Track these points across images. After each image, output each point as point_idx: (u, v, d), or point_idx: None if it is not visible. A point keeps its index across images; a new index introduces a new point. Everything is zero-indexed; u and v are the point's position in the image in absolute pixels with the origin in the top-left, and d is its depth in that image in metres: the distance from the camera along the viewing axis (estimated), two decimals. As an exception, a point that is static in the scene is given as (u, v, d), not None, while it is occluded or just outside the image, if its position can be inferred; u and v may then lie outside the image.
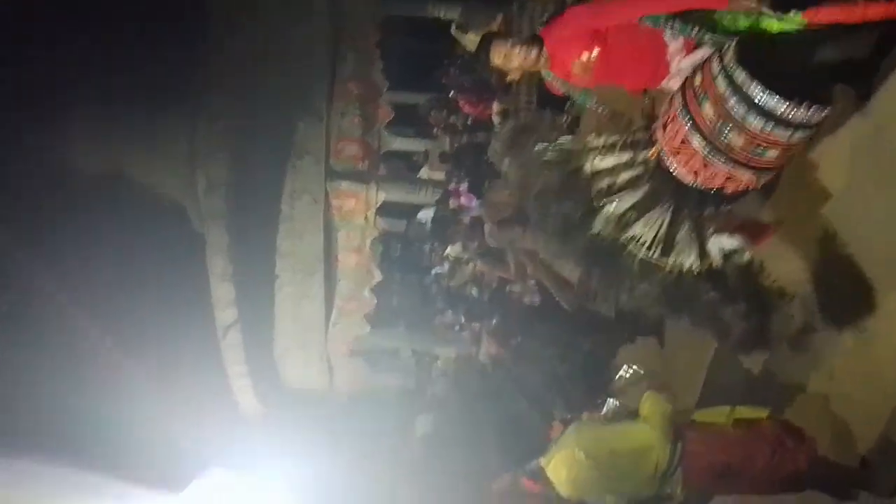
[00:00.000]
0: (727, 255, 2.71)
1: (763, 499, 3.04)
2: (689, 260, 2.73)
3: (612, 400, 4.75)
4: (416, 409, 9.29)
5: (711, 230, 2.69)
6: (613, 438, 2.96)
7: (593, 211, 2.79)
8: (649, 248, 2.74)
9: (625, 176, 2.70)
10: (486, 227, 5.51)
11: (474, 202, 6.26)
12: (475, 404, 6.83)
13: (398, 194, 7.13)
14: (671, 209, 2.69)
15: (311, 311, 7.39)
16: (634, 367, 5.44)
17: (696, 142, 2.41)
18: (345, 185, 6.54)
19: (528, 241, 3.85)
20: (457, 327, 7.54)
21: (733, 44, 2.28)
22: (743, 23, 2.34)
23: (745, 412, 3.08)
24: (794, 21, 2.25)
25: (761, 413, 3.09)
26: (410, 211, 7.96)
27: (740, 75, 2.19)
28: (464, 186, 6.46)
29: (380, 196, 6.66)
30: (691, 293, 2.66)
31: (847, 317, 2.90)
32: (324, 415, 9.18)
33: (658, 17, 2.43)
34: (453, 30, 6.31)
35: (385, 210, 7.23)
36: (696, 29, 2.39)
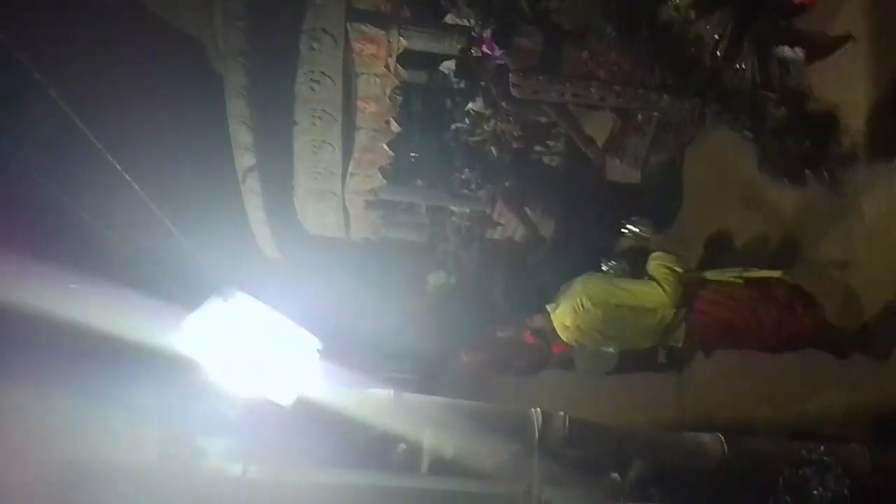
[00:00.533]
0: (786, 68, 2.66)
1: (764, 355, 3.16)
2: (750, 69, 2.70)
3: (612, 262, 4.82)
4: (428, 264, 9.55)
5: (776, 40, 2.64)
6: (621, 293, 3.03)
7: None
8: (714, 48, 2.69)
9: None
10: (511, 77, 5.31)
11: (498, 51, 5.97)
12: (485, 261, 6.99)
13: (421, 41, 6.78)
14: (736, 13, 2.62)
15: (330, 160, 7.33)
16: (640, 226, 5.46)
17: None
18: (367, 27, 6.20)
19: (555, 92, 3.78)
20: (473, 186, 7.51)
21: None
22: None
23: (757, 272, 3.11)
24: None
25: (774, 273, 3.11)
26: (433, 61, 7.63)
27: None
28: (488, 33, 6.12)
29: (402, 43, 6.33)
30: (753, 106, 2.65)
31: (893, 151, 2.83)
32: (339, 261, 9.48)
33: None
34: None
35: (407, 59, 6.92)
36: None
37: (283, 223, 8.19)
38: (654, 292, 3.00)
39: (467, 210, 8.64)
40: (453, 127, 7.70)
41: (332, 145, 7.17)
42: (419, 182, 8.77)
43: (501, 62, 5.82)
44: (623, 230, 5.58)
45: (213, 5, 6.60)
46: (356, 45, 6.37)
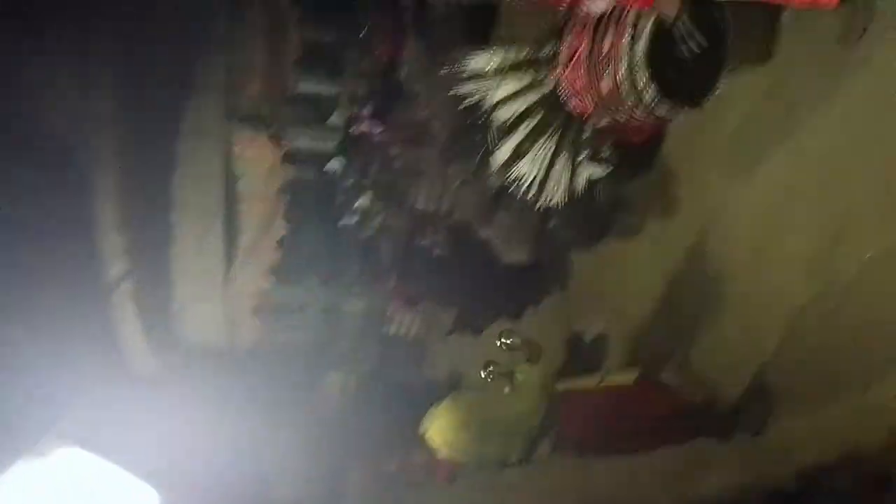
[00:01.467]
0: (591, 184, 2.89)
1: (650, 456, 3.14)
2: (558, 194, 2.86)
3: (489, 368, 4.92)
4: (324, 366, 9.06)
5: (585, 154, 2.84)
6: (487, 408, 3.03)
7: (488, 153, 2.83)
8: (530, 185, 2.83)
9: (523, 103, 2.77)
10: (392, 150, 5.36)
11: (378, 129, 6.00)
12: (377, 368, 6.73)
13: (306, 140, 6.72)
14: (558, 135, 2.81)
15: (211, 264, 6.93)
16: (512, 337, 5.62)
17: (589, 100, 2.66)
18: (248, 127, 6.06)
19: (435, 164, 3.82)
20: (366, 282, 7.32)
21: (642, 41, 2.35)
22: None
23: (614, 379, 3.18)
24: None
25: (630, 377, 3.21)
26: (320, 158, 7.56)
27: (643, 76, 2.38)
28: (367, 111, 6.16)
29: (286, 142, 6.23)
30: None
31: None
32: (227, 372, 8.80)
33: None
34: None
35: (293, 156, 6.81)
36: None
37: (161, 333, 7.55)
38: (517, 399, 3.01)
39: (361, 306, 8.39)
40: (341, 224, 7.56)
41: (213, 246, 6.79)
42: (312, 280, 8.48)
43: (381, 137, 5.98)
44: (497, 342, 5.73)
45: (82, 107, 6.24)
46: (237, 147, 6.19)
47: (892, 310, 2.70)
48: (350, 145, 6.74)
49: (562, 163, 2.94)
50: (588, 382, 3.29)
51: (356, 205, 7.21)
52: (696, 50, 2.52)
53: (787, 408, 3.03)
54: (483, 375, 5.84)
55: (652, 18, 2.37)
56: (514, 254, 4.55)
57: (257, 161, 6.43)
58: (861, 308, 2.83)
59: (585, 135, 2.93)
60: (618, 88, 2.47)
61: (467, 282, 4.94)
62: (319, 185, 8.14)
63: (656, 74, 2.42)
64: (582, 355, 4.67)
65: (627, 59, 2.40)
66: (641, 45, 2.38)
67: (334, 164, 7.86)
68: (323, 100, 7.93)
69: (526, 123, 2.83)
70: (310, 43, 6.08)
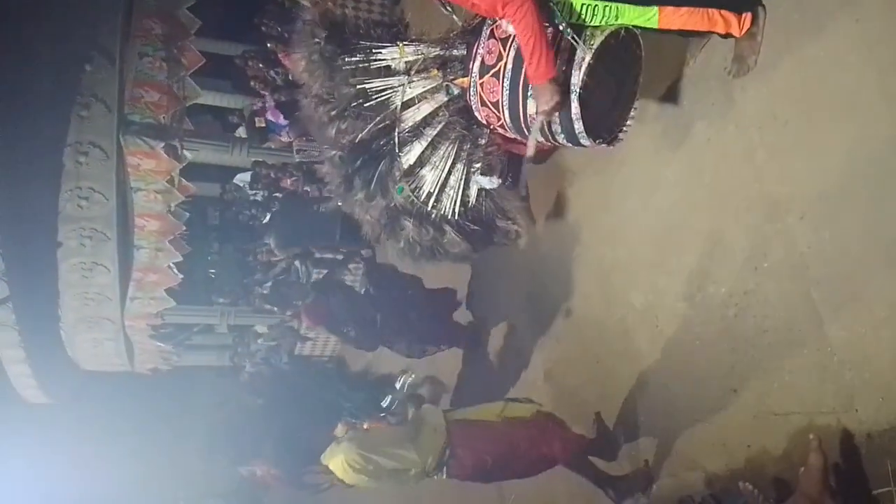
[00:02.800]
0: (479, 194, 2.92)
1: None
2: (452, 205, 2.86)
3: (391, 397, 5.11)
4: (233, 388, 8.68)
5: (480, 165, 2.85)
6: (383, 448, 2.98)
7: (395, 158, 2.75)
8: (428, 193, 2.80)
9: (432, 104, 2.71)
10: (295, 143, 5.22)
11: (282, 119, 5.82)
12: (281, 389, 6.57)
13: (208, 154, 6.39)
14: (458, 142, 2.78)
15: (104, 284, 6.45)
16: (411, 376, 5.78)
17: (506, 115, 2.58)
18: (143, 140, 5.70)
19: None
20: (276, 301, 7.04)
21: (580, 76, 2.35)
22: (600, 15, 2.36)
23: (515, 410, 3.20)
24: (648, 16, 2.40)
25: (530, 410, 3.25)
26: (224, 173, 7.24)
27: (576, 108, 2.38)
28: (271, 103, 5.97)
29: (186, 155, 5.89)
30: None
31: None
32: (126, 396, 8.28)
33: None
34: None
35: (194, 172, 6.47)
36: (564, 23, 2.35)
37: (48, 360, 6.96)
38: (417, 452, 2.96)
39: (271, 325, 8.09)
40: (253, 247, 7.26)
41: (106, 267, 6.33)
42: (220, 300, 8.09)
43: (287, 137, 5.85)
44: (396, 383, 5.88)
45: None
46: (131, 159, 5.80)
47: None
48: (258, 161, 6.51)
49: (458, 172, 2.88)
50: (488, 411, 3.27)
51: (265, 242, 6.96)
52: (614, 88, 2.56)
53: (688, 418, 3.12)
54: (398, 384, 5.88)
55: (591, 54, 2.35)
56: (410, 267, 4.52)
57: (154, 174, 6.04)
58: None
59: (482, 144, 2.88)
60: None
61: (377, 310, 4.86)
62: (228, 199, 7.81)
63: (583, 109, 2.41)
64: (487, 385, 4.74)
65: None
66: (578, 77, 2.39)
67: (242, 179, 7.56)
68: (225, 111, 7.63)
69: (432, 127, 2.76)
70: (210, 54, 5.80)
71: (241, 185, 7.45)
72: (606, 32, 2.38)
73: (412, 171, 2.85)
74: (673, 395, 3.25)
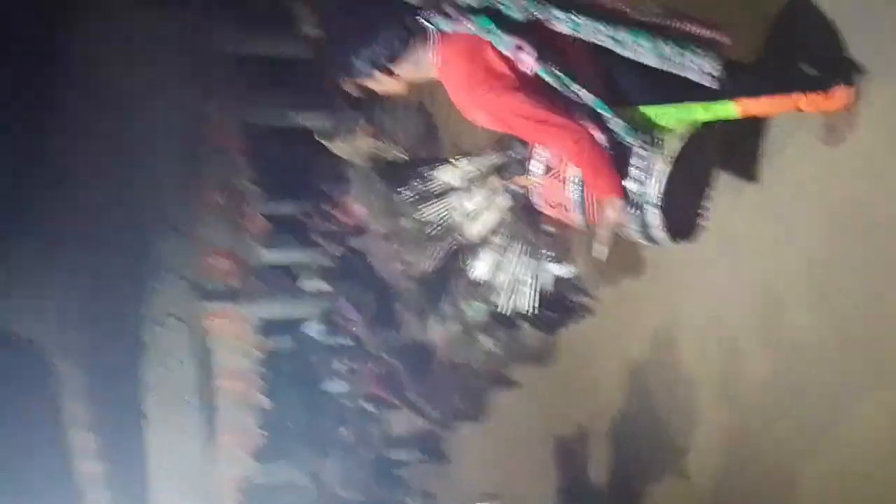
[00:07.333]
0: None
1: None
2: (527, 303, 2.73)
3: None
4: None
5: (549, 256, 2.71)
6: None
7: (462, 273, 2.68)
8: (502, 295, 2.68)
9: (495, 211, 2.63)
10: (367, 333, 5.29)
11: (354, 313, 6.01)
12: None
13: (277, 309, 6.56)
14: (526, 238, 2.67)
15: (189, 450, 6.49)
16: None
17: (576, 217, 2.40)
18: (216, 304, 5.92)
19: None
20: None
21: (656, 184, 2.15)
22: (673, 118, 2.17)
23: None
24: (725, 110, 2.14)
25: None
26: (293, 325, 7.36)
27: (655, 216, 2.18)
28: (342, 300, 6.21)
29: (256, 312, 6.06)
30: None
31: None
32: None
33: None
34: (317, 136, 6.08)
35: (266, 328, 6.62)
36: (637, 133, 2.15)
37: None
38: None
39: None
40: (322, 388, 7.22)
41: (190, 433, 6.39)
42: (302, 453, 7.97)
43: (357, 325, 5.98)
44: None
45: (45, 304, 6.13)
46: (207, 324, 6.01)
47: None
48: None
49: (531, 268, 2.76)
50: None
51: (334, 366, 6.94)
52: (690, 179, 2.35)
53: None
54: None
55: (669, 163, 2.16)
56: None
57: (229, 335, 6.22)
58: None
59: (552, 233, 2.73)
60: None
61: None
62: (298, 350, 7.89)
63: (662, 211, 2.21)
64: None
65: (639, 200, 2.21)
66: (655, 188, 2.17)
67: (311, 328, 7.66)
68: (290, 267, 7.92)
69: (498, 235, 2.70)
70: (272, 216, 6.13)
71: (310, 334, 7.53)
72: (686, 139, 2.17)
73: (482, 284, 2.77)
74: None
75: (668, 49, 2.05)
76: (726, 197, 2.91)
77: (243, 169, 5.92)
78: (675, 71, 2.07)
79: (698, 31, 2.12)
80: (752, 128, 2.70)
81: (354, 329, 6.60)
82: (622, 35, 2.04)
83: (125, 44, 5.67)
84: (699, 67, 2.06)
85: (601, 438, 4.37)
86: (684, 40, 2.08)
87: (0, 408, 6.28)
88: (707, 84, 2.08)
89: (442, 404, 5.14)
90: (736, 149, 2.73)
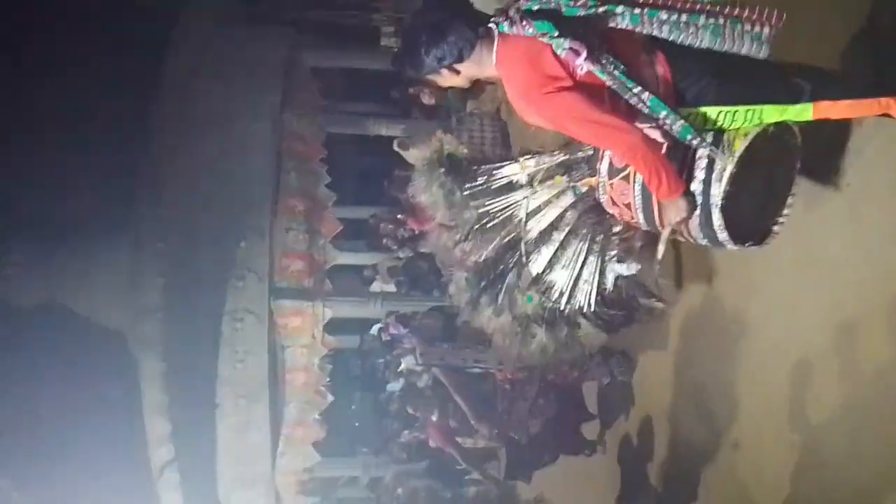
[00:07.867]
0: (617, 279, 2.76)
1: None
2: (588, 297, 2.73)
3: None
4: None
5: (614, 254, 2.70)
6: None
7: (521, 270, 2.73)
8: (561, 292, 2.70)
9: (557, 208, 2.65)
10: (417, 350, 5.46)
11: (403, 330, 6.18)
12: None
13: (347, 309, 6.80)
14: (589, 237, 2.67)
15: (257, 442, 6.78)
16: None
17: (640, 217, 2.39)
18: (290, 302, 6.20)
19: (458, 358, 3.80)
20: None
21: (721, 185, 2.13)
22: (741, 120, 2.13)
23: None
24: (802, 113, 2.12)
25: None
26: (362, 326, 7.61)
27: (719, 220, 2.15)
28: (391, 318, 6.39)
29: (326, 312, 6.31)
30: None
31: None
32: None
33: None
34: (395, 146, 6.32)
35: (334, 326, 6.87)
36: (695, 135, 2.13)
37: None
38: None
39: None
40: (388, 390, 7.43)
41: (258, 425, 6.68)
42: (363, 450, 8.20)
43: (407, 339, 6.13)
44: None
45: (132, 297, 6.52)
46: (280, 321, 6.30)
47: None
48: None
49: (592, 264, 2.72)
50: None
51: (400, 368, 7.12)
52: (763, 185, 2.31)
53: None
54: None
55: (732, 163, 2.12)
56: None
57: (300, 332, 6.50)
58: None
59: (617, 232, 2.68)
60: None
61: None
62: (365, 349, 8.13)
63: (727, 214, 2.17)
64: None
65: (702, 200, 2.18)
66: (718, 189, 2.14)
67: (378, 328, 7.89)
68: (361, 269, 8.18)
69: (559, 230, 2.68)
70: (345, 220, 6.38)
71: (377, 334, 7.75)
72: (751, 136, 2.11)
73: (541, 279, 2.77)
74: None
75: (721, 20, 2.06)
76: (804, 204, 2.85)
77: (322, 176, 6.20)
78: (729, 47, 2.07)
79: (750, 14, 2.10)
80: (832, 132, 2.59)
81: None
82: (682, 18, 2.05)
83: (214, 62, 6.03)
84: (751, 38, 2.05)
85: (660, 455, 4.36)
86: (736, 18, 2.08)
87: (86, 394, 6.72)
88: (760, 56, 2.08)
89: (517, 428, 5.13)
90: (816, 154, 2.56)
